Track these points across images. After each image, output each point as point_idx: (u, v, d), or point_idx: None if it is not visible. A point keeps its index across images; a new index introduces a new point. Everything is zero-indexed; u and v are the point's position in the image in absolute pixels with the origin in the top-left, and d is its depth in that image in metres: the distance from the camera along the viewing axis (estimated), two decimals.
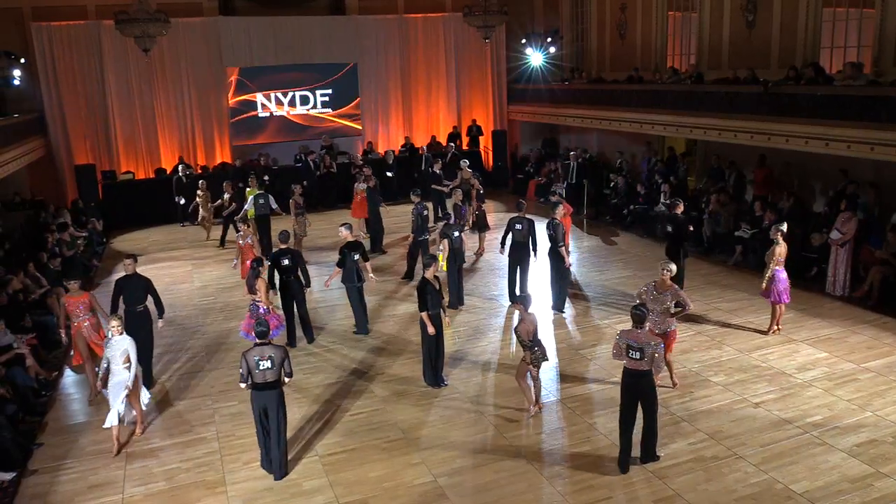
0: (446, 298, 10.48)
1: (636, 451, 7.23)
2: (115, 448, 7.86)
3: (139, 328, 9.00)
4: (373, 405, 8.80)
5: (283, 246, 10.62)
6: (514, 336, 8.05)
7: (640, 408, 7.04)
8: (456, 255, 11.83)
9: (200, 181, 17.40)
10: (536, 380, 8.30)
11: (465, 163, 17.63)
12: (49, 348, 10.84)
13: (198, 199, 17.26)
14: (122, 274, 9.51)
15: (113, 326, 7.89)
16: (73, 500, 7.12)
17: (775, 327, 10.29)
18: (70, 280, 9.51)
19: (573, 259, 14.63)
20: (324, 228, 16.94)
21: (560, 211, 11.48)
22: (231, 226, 16.11)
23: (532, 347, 7.99)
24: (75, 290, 9.27)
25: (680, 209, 11.62)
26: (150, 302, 9.45)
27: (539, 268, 12.27)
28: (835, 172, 13.34)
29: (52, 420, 8.81)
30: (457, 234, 11.90)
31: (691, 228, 12.15)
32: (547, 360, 8.25)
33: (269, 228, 15.59)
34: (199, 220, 17.44)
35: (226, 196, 16.27)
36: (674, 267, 8.72)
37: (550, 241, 11.31)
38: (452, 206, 14.94)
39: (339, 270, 10.67)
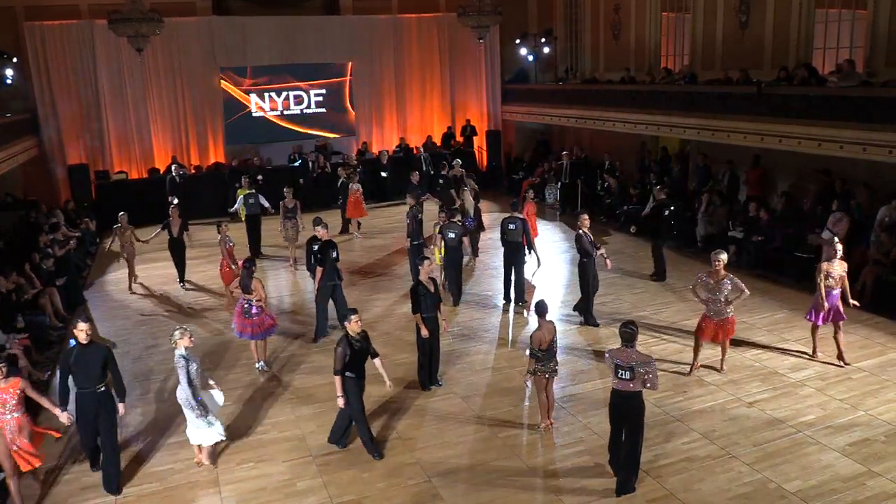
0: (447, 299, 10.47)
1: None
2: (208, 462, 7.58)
3: (102, 414, 7.10)
4: (367, 405, 8.75)
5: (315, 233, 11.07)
6: (528, 341, 7.95)
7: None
8: (448, 252, 11.77)
9: (121, 213, 13.82)
10: (548, 396, 8.01)
11: (458, 162, 17.75)
12: (42, 349, 10.80)
13: (118, 236, 13.61)
14: (73, 345, 7.20)
15: (184, 339, 7.25)
16: (66, 502, 7.10)
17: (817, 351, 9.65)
18: None
19: (567, 258, 14.66)
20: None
21: (585, 220, 10.83)
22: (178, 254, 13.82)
23: (541, 358, 7.73)
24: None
25: (662, 196, 13.12)
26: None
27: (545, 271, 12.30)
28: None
29: (44, 421, 8.70)
30: (452, 234, 11.75)
31: (667, 213, 13.23)
32: (556, 374, 8.00)
33: (259, 227, 15.59)
34: (123, 258, 13.81)
35: (174, 223, 13.51)
36: (724, 256, 8.85)
37: (579, 253, 10.94)
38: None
39: (321, 270, 10.66)
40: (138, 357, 10.58)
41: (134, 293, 13.62)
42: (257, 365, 9.88)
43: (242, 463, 7.61)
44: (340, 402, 7.40)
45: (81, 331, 7.04)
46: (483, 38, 19.33)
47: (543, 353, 7.74)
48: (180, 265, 13.91)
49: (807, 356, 9.60)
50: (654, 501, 6.68)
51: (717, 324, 8.88)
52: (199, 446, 7.53)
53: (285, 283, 13.97)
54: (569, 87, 20.69)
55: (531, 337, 7.82)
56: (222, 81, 20.89)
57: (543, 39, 22.38)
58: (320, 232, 10.90)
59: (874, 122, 11.07)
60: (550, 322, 7.86)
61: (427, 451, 7.69)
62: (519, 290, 11.99)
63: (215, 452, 7.64)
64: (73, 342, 10.58)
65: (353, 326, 7.43)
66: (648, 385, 6.55)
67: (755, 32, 15.20)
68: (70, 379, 7.09)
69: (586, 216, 10.95)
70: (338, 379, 7.35)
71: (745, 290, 8.84)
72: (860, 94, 11.54)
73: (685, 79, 16.20)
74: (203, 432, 7.38)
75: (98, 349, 7.16)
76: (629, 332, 6.67)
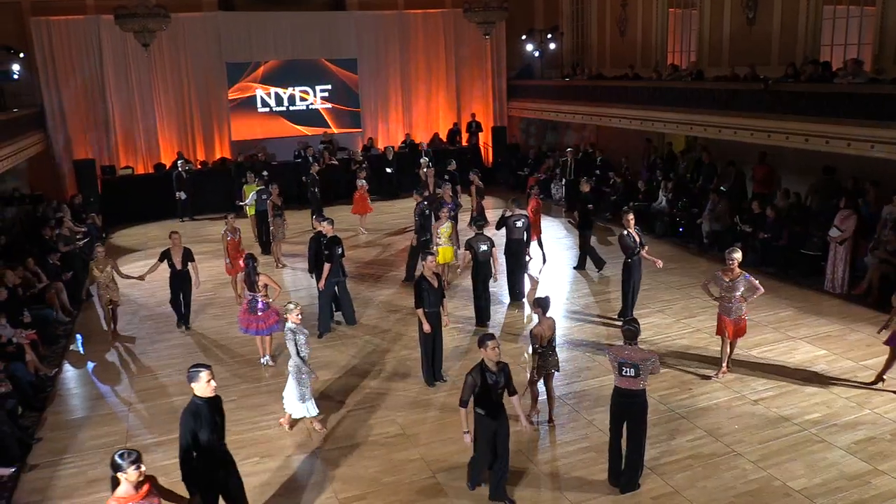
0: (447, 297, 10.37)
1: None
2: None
3: (232, 471, 6.22)
4: (371, 401, 8.80)
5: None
6: (528, 337, 7.95)
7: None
8: (481, 268, 10.92)
9: (97, 245, 11.60)
10: (549, 392, 8.00)
11: (424, 160, 18.37)
12: (48, 343, 10.84)
13: (96, 274, 10.87)
14: (195, 398, 5.77)
15: (292, 314, 7.69)
16: (72, 495, 7.13)
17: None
18: (128, 462, 4.81)
19: (571, 256, 14.62)
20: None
21: (629, 219, 10.50)
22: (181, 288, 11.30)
23: (542, 353, 7.77)
24: (134, 478, 4.86)
25: (587, 188, 13.28)
26: None
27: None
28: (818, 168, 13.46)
29: (51, 415, 8.81)
30: (484, 247, 10.94)
31: (590, 207, 13.27)
32: (557, 370, 8.01)
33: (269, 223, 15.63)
34: (104, 303, 11.09)
35: (175, 251, 11.06)
36: (739, 254, 8.73)
37: (623, 251, 10.66)
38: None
39: (328, 266, 10.65)
40: (143, 352, 10.62)
41: (116, 346, 10.93)
42: (262, 360, 9.90)
43: (247, 458, 7.61)
44: (467, 438, 6.53)
45: (204, 379, 5.73)
46: (489, 34, 19.29)
47: (543, 349, 7.75)
48: (184, 305, 11.37)
49: (822, 353, 9.59)
50: (658, 498, 6.68)
51: (734, 322, 8.78)
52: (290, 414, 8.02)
53: (290, 280, 13.98)
54: (575, 84, 20.63)
55: (531, 332, 7.83)
56: (228, 76, 20.90)
57: (550, 35, 22.36)
58: (325, 227, 10.89)
59: (882, 120, 11.01)
60: (551, 318, 7.87)
61: (431, 446, 7.70)
62: (520, 287, 11.99)
63: (294, 422, 8.14)
64: (79, 343, 10.55)
65: (488, 354, 6.35)
66: (653, 372, 6.65)
67: (763, 29, 15.13)
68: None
69: (631, 215, 10.60)
70: (462, 412, 6.45)
71: (760, 288, 8.72)
72: (868, 92, 11.47)
73: (692, 75, 16.16)
74: (294, 404, 7.84)
75: (218, 397, 5.94)
76: (632, 329, 6.71)
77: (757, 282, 8.73)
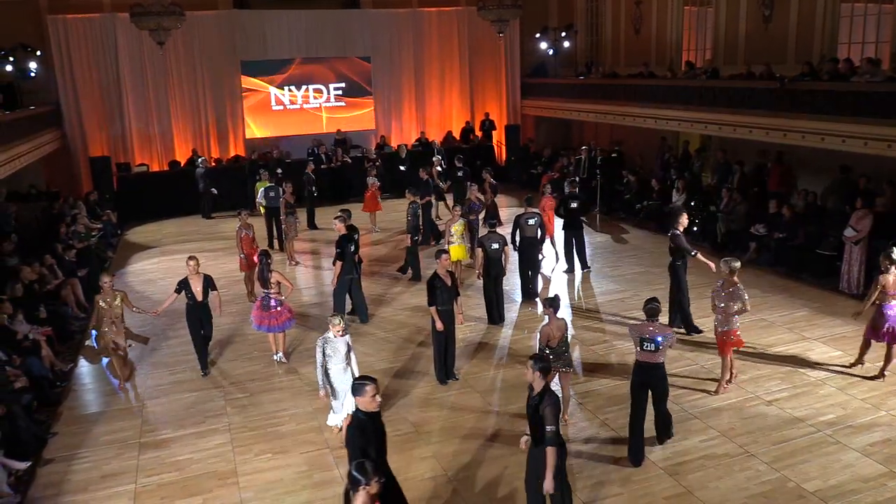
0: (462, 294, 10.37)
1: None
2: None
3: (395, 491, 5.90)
4: (383, 399, 8.70)
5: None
6: (537, 336, 7.92)
7: (650, 398, 7.20)
8: (493, 265, 10.82)
9: (103, 277, 9.58)
10: (564, 392, 7.89)
11: (437, 158, 18.45)
12: (64, 339, 10.93)
13: (103, 306, 9.21)
14: (358, 413, 5.60)
15: (337, 327, 7.28)
16: (86, 490, 7.19)
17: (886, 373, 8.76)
18: (371, 473, 4.45)
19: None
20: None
21: (683, 220, 10.11)
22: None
23: (550, 353, 7.65)
24: (375, 489, 4.44)
25: (573, 189, 13.43)
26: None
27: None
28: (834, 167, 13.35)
29: (66, 410, 8.89)
30: (496, 245, 10.82)
31: (573, 205, 13.17)
32: (571, 369, 7.91)
33: (279, 220, 15.67)
34: (104, 344, 9.46)
35: (193, 280, 9.59)
36: (737, 264, 8.44)
37: (671, 255, 10.22)
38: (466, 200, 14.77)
39: (341, 264, 10.66)
40: (157, 348, 10.69)
41: (125, 389, 9.48)
42: (275, 356, 9.94)
43: (260, 454, 7.66)
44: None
45: (372, 396, 5.41)
46: (503, 33, 19.26)
47: (552, 350, 7.66)
48: (203, 340, 9.80)
49: (837, 354, 9.49)
50: (671, 499, 6.65)
51: (721, 335, 8.45)
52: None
53: (302, 277, 14.03)
54: (589, 82, 20.57)
55: (539, 331, 7.81)
56: (242, 75, 21.00)
57: (564, 33, 22.27)
58: (337, 225, 10.92)
59: None
60: (562, 319, 7.82)
61: (444, 445, 7.71)
62: (533, 285, 11.96)
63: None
64: (94, 339, 10.42)
65: (529, 375, 5.83)
66: (669, 346, 7.11)
67: (779, 26, 15.02)
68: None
69: (685, 215, 10.20)
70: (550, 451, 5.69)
71: (746, 306, 8.28)
72: (885, 90, 11.35)
73: (707, 74, 16.07)
74: (330, 413, 7.68)
75: (379, 412, 5.62)
76: (653, 307, 7.19)
77: (745, 296, 8.27)
